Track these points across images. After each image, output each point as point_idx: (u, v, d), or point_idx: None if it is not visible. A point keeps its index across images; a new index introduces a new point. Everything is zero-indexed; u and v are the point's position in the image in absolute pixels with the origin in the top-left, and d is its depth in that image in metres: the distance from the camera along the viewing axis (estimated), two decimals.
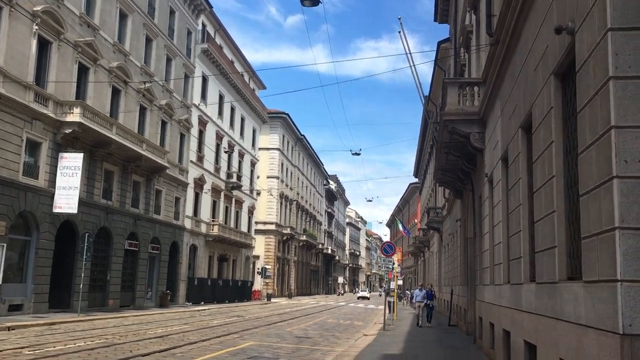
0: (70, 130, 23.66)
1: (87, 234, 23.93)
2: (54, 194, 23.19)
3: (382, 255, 28.48)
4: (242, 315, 28.19)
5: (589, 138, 5.21)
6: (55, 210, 23.24)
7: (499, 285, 11.37)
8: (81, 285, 23.76)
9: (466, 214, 19.48)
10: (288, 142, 66.99)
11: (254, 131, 54.00)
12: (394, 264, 28.56)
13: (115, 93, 28.75)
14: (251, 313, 30.95)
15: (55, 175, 23.36)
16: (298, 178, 71.56)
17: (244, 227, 50.49)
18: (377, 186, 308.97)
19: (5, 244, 20.56)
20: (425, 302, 24.00)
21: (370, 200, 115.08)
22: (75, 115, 23.78)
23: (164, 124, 34.08)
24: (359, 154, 39.29)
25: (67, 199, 23.28)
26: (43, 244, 22.89)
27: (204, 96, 40.54)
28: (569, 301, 5.93)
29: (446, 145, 16.38)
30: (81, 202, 24.15)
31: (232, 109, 47.16)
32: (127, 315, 24.64)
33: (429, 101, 32.13)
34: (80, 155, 23.83)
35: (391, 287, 28.98)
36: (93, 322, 20.87)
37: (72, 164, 23.52)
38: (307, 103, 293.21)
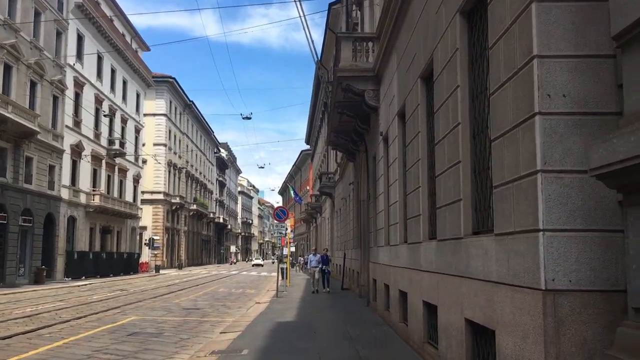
0: None
1: None
2: None
3: (275, 222, 27.82)
4: (126, 289, 26.54)
5: (504, 74, 4.65)
6: None
7: (395, 246, 11.02)
8: None
9: (359, 176, 19.18)
10: (176, 108, 64.04)
11: (137, 95, 50.84)
12: (287, 229, 28.00)
13: None
14: (137, 286, 29.30)
15: None
16: (187, 145, 68.90)
17: (129, 197, 47.79)
18: (269, 155, 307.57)
19: None
20: (320, 267, 23.41)
21: (262, 167, 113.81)
22: None
23: (33, 84, 30.90)
24: (250, 118, 38.15)
25: None
26: None
27: (79, 56, 37.21)
28: (477, 257, 5.46)
29: (340, 104, 15.82)
30: None
31: (113, 71, 43.94)
32: None
33: (321, 65, 31.53)
34: None
35: (284, 253, 28.44)
36: None
37: None
38: (197, 69, 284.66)
